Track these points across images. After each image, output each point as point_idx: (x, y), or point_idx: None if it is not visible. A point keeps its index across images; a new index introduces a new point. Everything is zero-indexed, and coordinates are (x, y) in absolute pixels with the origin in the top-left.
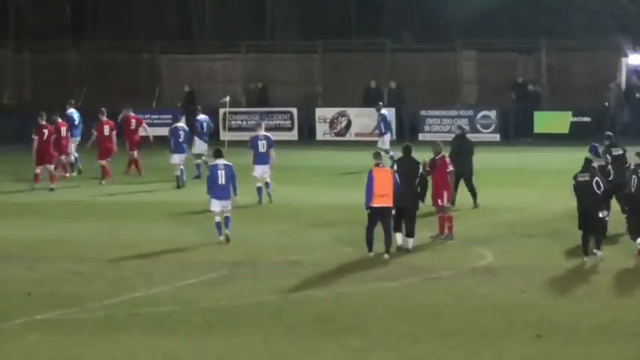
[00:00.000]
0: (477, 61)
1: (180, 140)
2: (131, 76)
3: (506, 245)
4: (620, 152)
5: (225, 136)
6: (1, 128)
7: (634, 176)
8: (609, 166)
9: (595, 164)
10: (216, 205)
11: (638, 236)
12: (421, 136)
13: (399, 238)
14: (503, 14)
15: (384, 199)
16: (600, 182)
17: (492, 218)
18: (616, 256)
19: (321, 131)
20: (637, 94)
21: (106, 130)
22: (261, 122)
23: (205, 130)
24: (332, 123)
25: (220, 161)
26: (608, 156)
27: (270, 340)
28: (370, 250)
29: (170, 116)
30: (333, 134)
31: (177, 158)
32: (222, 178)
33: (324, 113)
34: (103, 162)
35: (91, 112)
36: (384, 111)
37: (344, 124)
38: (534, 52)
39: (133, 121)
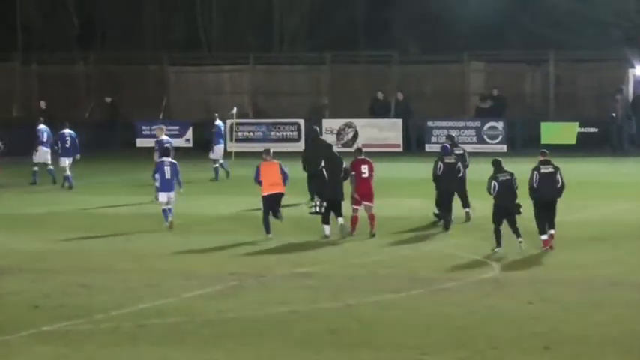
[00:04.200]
0: (485, 73)
1: (67, 145)
2: (139, 88)
3: (512, 256)
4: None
5: (232, 147)
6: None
7: (535, 172)
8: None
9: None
10: (163, 197)
11: (543, 232)
12: (428, 147)
13: (327, 229)
14: (510, 26)
15: (274, 188)
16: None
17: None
18: (624, 267)
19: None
20: None
21: None
22: (162, 126)
23: (45, 139)
24: (339, 134)
25: (167, 159)
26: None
27: (278, 353)
28: (268, 232)
29: (178, 127)
30: (340, 145)
31: (66, 161)
32: (168, 173)
33: (331, 124)
34: None
35: (100, 123)
36: (218, 122)
37: (351, 135)
38: (542, 64)
39: None
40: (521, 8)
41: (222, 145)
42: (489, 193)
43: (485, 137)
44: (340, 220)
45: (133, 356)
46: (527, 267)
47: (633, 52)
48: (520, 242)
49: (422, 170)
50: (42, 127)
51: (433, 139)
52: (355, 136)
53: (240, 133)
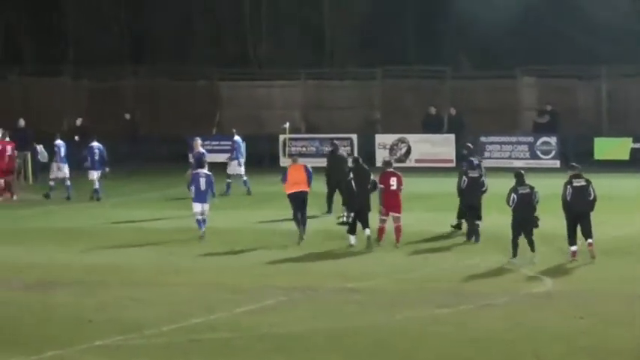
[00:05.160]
0: (536, 88)
1: (96, 158)
2: (188, 103)
3: (564, 271)
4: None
5: (285, 162)
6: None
7: (568, 186)
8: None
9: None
10: (197, 207)
11: (574, 243)
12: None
13: (352, 239)
14: (562, 41)
15: (298, 186)
16: (537, 194)
17: (550, 245)
18: None
19: (381, 157)
20: None
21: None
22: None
23: (63, 154)
24: (392, 149)
25: (202, 171)
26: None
27: None
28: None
29: (229, 142)
30: (393, 160)
31: (94, 174)
32: (203, 184)
33: (383, 139)
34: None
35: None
36: (236, 137)
37: (404, 150)
38: (594, 79)
39: (9, 147)
40: (571, 23)
41: (237, 161)
42: (508, 204)
43: (538, 152)
44: (367, 231)
45: None
46: (579, 282)
47: None
48: (533, 257)
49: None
50: (59, 142)
51: (486, 154)
52: (408, 151)
53: (293, 148)
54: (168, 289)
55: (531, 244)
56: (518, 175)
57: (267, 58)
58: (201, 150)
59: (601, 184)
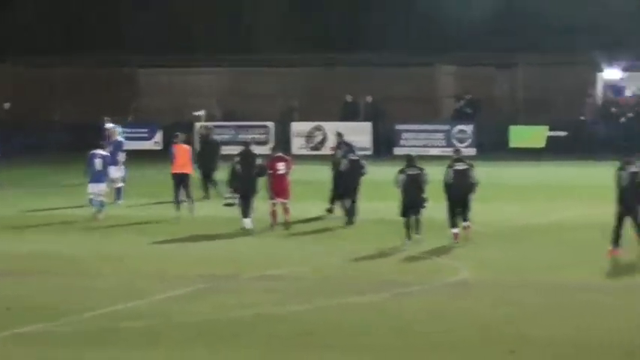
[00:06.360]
0: (454, 76)
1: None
2: (109, 90)
3: (481, 260)
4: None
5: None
6: None
7: (449, 169)
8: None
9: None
10: (93, 187)
11: (455, 225)
12: (397, 150)
13: (247, 222)
14: (480, 30)
15: (181, 168)
16: (426, 175)
17: (467, 233)
18: (590, 270)
19: (297, 145)
20: (612, 109)
21: None
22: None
23: None
24: (308, 137)
25: (98, 151)
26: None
27: (249, 355)
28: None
29: (146, 130)
30: (309, 148)
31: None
32: (99, 165)
33: (300, 127)
34: None
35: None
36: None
37: (320, 138)
38: (511, 67)
39: None
40: (490, 12)
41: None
42: (396, 186)
43: (454, 140)
44: (247, 221)
45: (107, 358)
46: (494, 270)
47: (602, 56)
48: (418, 236)
49: (391, 173)
50: None
51: (402, 142)
52: (324, 139)
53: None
54: (90, 277)
55: (417, 222)
56: (409, 158)
57: (188, 44)
58: (119, 138)
59: (517, 172)
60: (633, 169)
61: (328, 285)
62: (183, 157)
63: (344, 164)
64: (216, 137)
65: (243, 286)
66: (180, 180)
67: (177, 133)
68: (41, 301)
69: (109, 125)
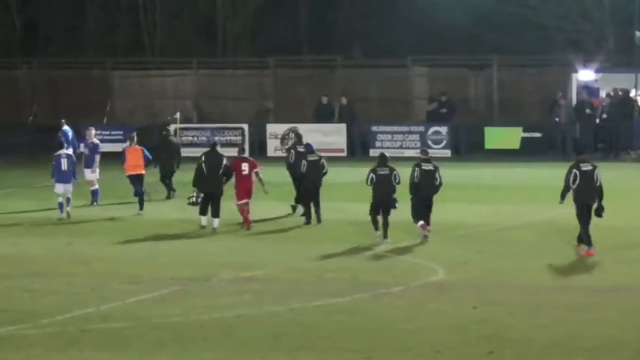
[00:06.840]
0: (428, 77)
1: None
2: (83, 92)
3: (457, 261)
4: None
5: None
6: None
7: (417, 168)
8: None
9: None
10: (59, 188)
11: (420, 219)
12: (372, 152)
13: (203, 220)
14: (454, 30)
15: (135, 169)
16: (398, 176)
17: (443, 234)
18: (567, 271)
19: (272, 147)
20: (587, 110)
21: None
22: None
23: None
24: (283, 139)
25: (63, 151)
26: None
27: (222, 357)
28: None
29: (121, 132)
30: (283, 150)
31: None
32: (65, 165)
33: (275, 129)
34: None
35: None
36: (65, 127)
37: (295, 140)
38: (485, 69)
39: None
40: (464, 12)
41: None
42: (367, 184)
43: (429, 142)
44: (215, 221)
45: None
46: (472, 271)
47: (576, 57)
48: (386, 240)
49: (366, 175)
50: None
51: (377, 144)
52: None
53: (184, 138)
54: (63, 280)
55: (385, 225)
56: (381, 157)
57: (160, 46)
58: (95, 140)
59: (492, 174)
60: (587, 167)
61: (303, 286)
62: (136, 158)
63: (303, 165)
64: (189, 138)
65: (216, 289)
66: (135, 181)
67: (133, 134)
68: (11, 304)
69: (65, 127)
